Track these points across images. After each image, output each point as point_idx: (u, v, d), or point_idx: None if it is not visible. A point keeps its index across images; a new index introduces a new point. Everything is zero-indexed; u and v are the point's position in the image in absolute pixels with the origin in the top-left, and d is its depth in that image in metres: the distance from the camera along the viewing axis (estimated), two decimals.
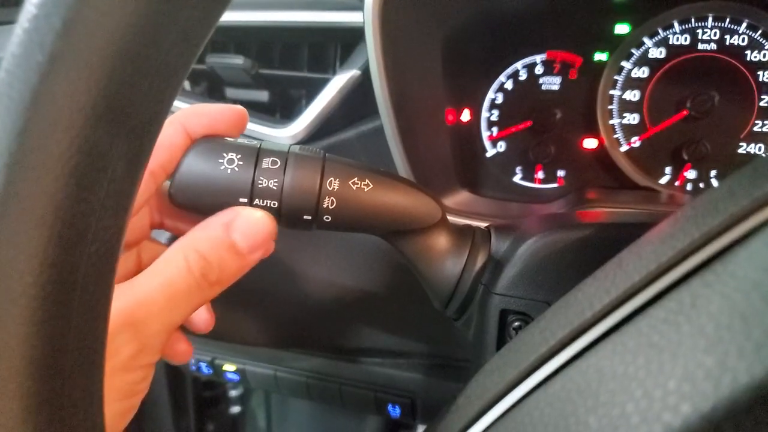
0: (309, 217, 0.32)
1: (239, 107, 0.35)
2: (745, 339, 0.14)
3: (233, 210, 0.31)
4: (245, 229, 0.31)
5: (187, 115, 0.32)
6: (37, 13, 0.16)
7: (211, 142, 0.32)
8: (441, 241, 0.36)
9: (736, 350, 0.14)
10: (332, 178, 0.32)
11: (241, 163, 0.31)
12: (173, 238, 0.33)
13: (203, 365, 0.76)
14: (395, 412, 0.67)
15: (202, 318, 0.37)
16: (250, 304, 0.65)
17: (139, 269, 0.37)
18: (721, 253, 0.18)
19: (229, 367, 0.75)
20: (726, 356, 0.15)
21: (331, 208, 0.32)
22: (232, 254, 0.31)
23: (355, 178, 0.33)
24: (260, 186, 0.31)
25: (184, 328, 0.38)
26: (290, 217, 0.32)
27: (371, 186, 0.33)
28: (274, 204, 0.32)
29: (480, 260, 0.36)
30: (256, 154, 0.31)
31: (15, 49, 0.16)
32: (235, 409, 0.96)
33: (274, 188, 0.31)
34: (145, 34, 0.17)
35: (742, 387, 0.14)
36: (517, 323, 0.34)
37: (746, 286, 0.16)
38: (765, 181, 0.18)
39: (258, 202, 0.31)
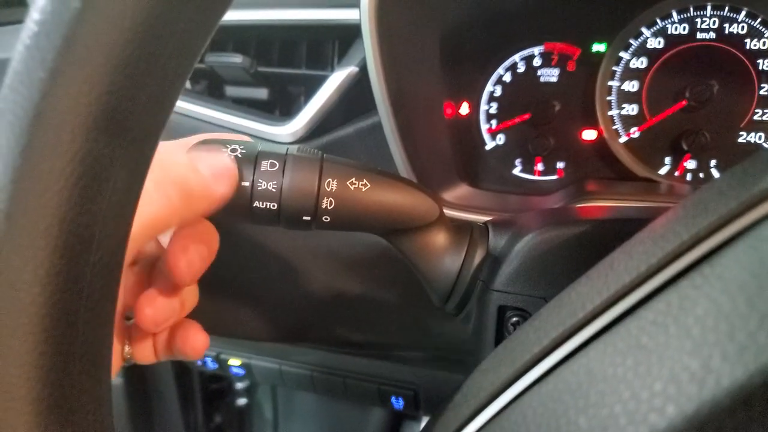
0: (308, 218, 0.33)
1: None
2: (728, 341, 0.15)
3: None
4: None
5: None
6: (38, 30, 0.16)
7: (209, 144, 0.32)
8: (439, 238, 0.37)
9: (719, 353, 0.15)
10: (330, 179, 0.32)
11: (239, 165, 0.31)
12: None
13: (209, 360, 0.77)
14: (398, 404, 0.68)
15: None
16: (254, 301, 0.65)
17: (142, 277, 0.37)
18: (708, 255, 0.18)
19: (234, 362, 0.75)
20: (710, 359, 0.15)
21: (329, 208, 0.33)
22: None
23: (353, 179, 0.33)
24: (259, 188, 0.31)
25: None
26: (289, 218, 0.33)
27: (369, 186, 0.33)
28: (273, 206, 0.32)
29: (478, 257, 0.37)
30: (254, 156, 0.32)
31: (17, 65, 0.17)
32: (242, 402, 0.97)
33: (273, 190, 0.32)
34: (143, 48, 0.17)
35: (724, 389, 0.14)
36: (515, 319, 0.34)
37: (732, 289, 0.16)
38: (753, 182, 0.19)
39: (257, 204, 0.32)
